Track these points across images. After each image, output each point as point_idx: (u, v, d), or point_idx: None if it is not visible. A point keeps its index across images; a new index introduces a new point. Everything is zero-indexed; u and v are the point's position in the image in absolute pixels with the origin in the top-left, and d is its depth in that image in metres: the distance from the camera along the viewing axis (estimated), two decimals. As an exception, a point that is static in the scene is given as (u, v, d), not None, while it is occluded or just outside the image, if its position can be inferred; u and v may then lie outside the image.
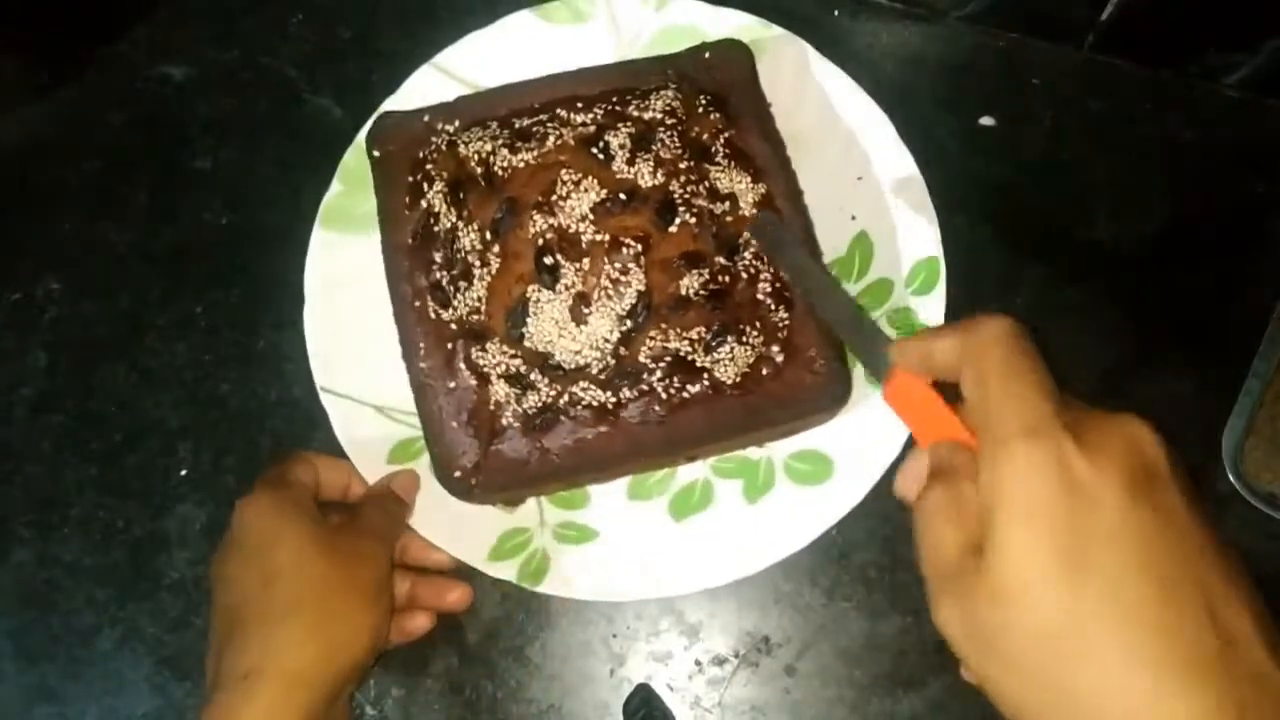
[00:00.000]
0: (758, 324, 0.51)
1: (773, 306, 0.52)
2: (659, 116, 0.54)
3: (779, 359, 0.51)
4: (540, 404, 0.50)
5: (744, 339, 0.51)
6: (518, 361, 0.51)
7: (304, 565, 0.48)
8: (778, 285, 0.52)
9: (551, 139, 0.53)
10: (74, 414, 0.61)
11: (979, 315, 0.35)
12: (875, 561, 0.58)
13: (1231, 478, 0.55)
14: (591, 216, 0.51)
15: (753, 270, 0.52)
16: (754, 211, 0.53)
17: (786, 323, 0.52)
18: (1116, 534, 0.30)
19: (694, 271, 0.50)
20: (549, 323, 0.50)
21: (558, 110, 0.55)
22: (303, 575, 0.48)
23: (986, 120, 0.64)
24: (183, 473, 0.60)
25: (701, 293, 0.50)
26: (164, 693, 0.57)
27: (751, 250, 0.52)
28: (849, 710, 0.56)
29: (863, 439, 0.54)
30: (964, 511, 0.33)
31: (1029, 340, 0.34)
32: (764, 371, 0.51)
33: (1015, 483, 0.31)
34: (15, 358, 0.62)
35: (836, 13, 0.65)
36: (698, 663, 0.57)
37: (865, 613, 0.57)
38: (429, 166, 0.54)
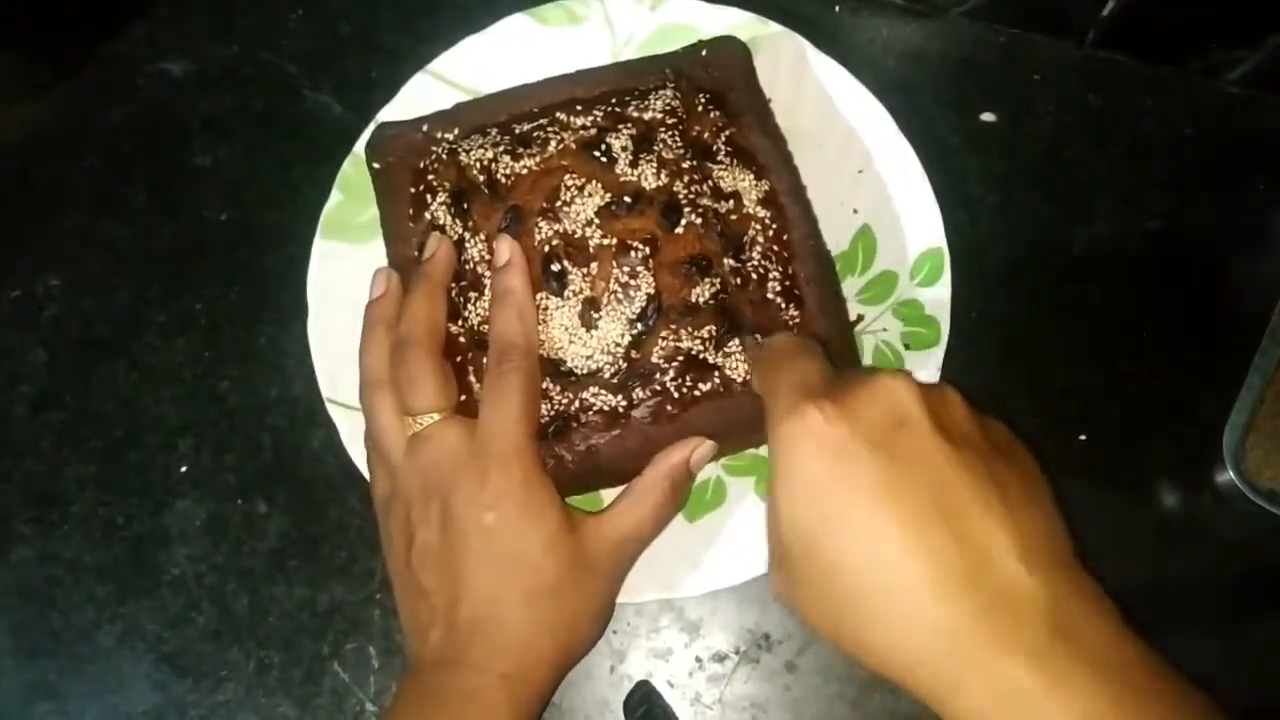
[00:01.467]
0: (769, 323, 0.51)
1: (783, 305, 0.51)
2: (659, 116, 0.54)
3: None
4: (552, 412, 0.50)
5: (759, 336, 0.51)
6: None
7: (562, 594, 0.46)
8: (787, 284, 0.52)
9: (553, 144, 0.53)
10: (74, 411, 0.61)
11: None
12: (876, 558, 0.57)
13: (1232, 475, 0.55)
14: (597, 221, 0.51)
15: (761, 270, 0.52)
16: (758, 210, 0.52)
17: (797, 320, 0.52)
18: (864, 483, 0.35)
19: (706, 280, 0.50)
20: (559, 329, 0.50)
21: (557, 114, 0.54)
22: (567, 599, 0.46)
23: (987, 116, 0.64)
24: (183, 469, 0.60)
25: (712, 301, 0.50)
26: (164, 690, 0.57)
27: (759, 249, 0.52)
28: (849, 707, 0.56)
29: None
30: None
31: (802, 344, 0.43)
32: None
33: (776, 456, 0.37)
34: (15, 355, 0.62)
35: (838, 9, 0.65)
36: (698, 659, 0.57)
37: (866, 609, 0.57)
38: (430, 177, 0.54)
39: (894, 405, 0.36)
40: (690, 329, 0.50)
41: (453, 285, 0.52)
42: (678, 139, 0.53)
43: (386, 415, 0.49)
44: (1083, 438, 0.59)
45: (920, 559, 0.34)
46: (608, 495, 0.55)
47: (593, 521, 0.48)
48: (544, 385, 0.50)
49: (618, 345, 0.50)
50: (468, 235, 0.52)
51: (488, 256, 0.51)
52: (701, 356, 0.50)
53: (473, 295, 0.51)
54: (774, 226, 0.53)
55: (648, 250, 0.50)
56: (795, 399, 0.37)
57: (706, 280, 0.50)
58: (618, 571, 0.49)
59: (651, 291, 0.50)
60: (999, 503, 0.35)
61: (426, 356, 0.49)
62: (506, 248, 0.50)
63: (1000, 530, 0.34)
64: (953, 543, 0.34)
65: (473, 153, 0.53)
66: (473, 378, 0.51)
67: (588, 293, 0.50)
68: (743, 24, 0.59)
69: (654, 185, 0.51)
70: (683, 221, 0.51)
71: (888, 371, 0.37)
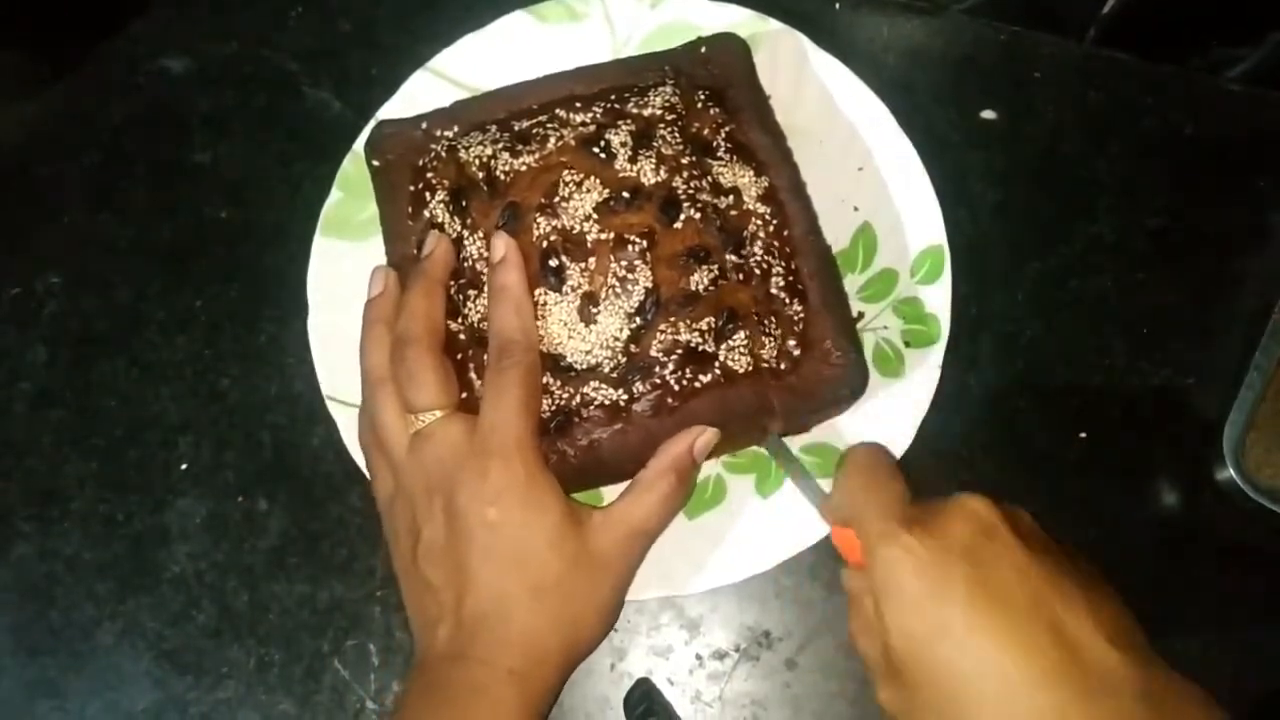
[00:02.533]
0: (773, 318, 0.51)
1: (787, 300, 0.52)
2: (658, 113, 0.53)
3: (795, 352, 0.51)
4: (553, 407, 0.50)
5: (765, 331, 0.51)
6: None
7: (568, 588, 0.46)
8: (791, 279, 0.52)
9: (552, 140, 0.53)
10: (74, 408, 0.61)
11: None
12: (876, 556, 0.57)
13: (1233, 472, 0.55)
14: (595, 216, 0.51)
15: (765, 265, 0.52)
16: (758, 206, 0.52)
17: (801, 316, 0.52)
18: (963, 592, 0.38)
19: (703, 267, 0.50)
20: (558, 325, 0.50)
21: (557, 111, 0.54)
22: (568, 601, 0.46)
23: (988, 114, 0.63)
24: (183, 467, 0.60)
25: (711, 288, 0.50)
26: (164, 687, 0.57)
27: (760, 244, 0.52)
28: (849, 704, 0.56)
29: (873, 431, 0.54)
30: (870, 621, 0.42)
31: (882, 464, 0.46)
32: (781, 365, 0.51)
33: (880, 578, 0.40)
34: (15, 352, 0.62)
35: (838, 6, 0.65)
36: (698, 657, 0.57)
37: (866, 607, 0.57)
38: (430, 175, 0.54)
39: (978, 521, 0.40)
40: (689, 321, 0.50)
41: (452, 283, 0.52)
42: (677, 135, 0.53)
43: (389, 413, 0.49)
44: (1083, 436, 0.59)
45: (1021, 652, 0.37)
46: (609, 493, 0.56)
47: (599, 515, 0.48)
48: (544, 380, 0.50)
49: (616, 339, 0.50)
50: (466, 233, 0.52)
51: (486, 254, 0.51)
52: (701, 349, 0.50)
53: (471, 293, 0.51)
54: (774, 223, 0.52)
55: (645, 244, 0.50)
56: (889, 525, 0.41)
57: (704, 268, 0.50)
58: (626, 566, 0.49)
59: (650, 285, 0.50)
60: (1082, 597, 0.38)
61: (426, 353, 0.49)
62: (502, 244, 0.50)
63: (1089, 619, 0.38)
64: (1047, 634, 0.37)
65: (472, 150, 0.53)
66: (473, 374, 0.51)
67: (586, 288, 0.50)
68: (743, 21, 0.59)
69: (653, 181, 0.51)
70: (681, 216, 0.51)
71: (966, 494, 0.41)
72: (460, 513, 0.45)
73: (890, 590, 0.40)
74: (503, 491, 0.45)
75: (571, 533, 0.46)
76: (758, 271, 0.51)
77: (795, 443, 0.56)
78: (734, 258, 0.51)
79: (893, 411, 0.54)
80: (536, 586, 0.45)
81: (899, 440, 0.54)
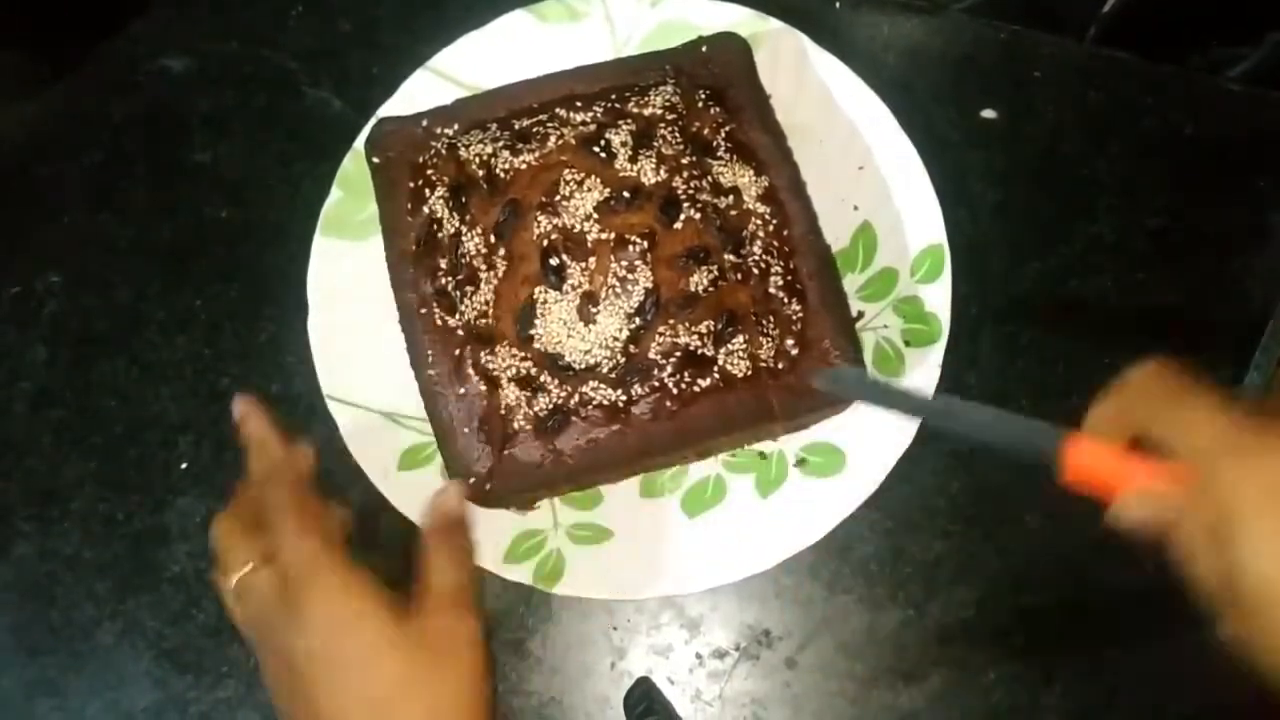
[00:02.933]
0: (771, 318, 0.51)
1: (785, 300, 0.52)
2: (659, 112, 0.54)
3: (794, 351, 0.51)
4: (551, 406, 0.50)
5: (763, 331, 0.51)
6: (527, 364, 0.51)
7: (413, 686, 0.42)
8: (789, 279, 0.52)
9: (552, 139, 0.53)
10: (74, 408, 0.61)
11: (1128, 372, 0.40)
12: (876, 555, 0.57)
13: (1233, 471, 0.55)
14: (595, 215, 0.51)
15: (764, 264, 0.52)
16: (758, 206, 0.52)
17: (800, 315, 0.52)
18: None
19: (703, 268, 0.50)
20: (557, 323, 0.50)
21: (557, 110, 0.54)
22: (414, 696, 0.42)
23: (988, 113, 0.63)
24: (183, 466, 0.60)
25: (710, 289, 0.50)
26: (165, 686, 0.57)
27: (760, 244, 0.52)
28: (849, 703, 0.56)
29: (874, 430, 0.54)
30: (1202, 542, 0.35)
31: (1178, 368, 0.39)
32: (779, 365, 0.51)
33: (1242, 492, 0.34)
34: (15, 352, 0.62)
35: (838, 5, 0.65)
36: (698, 656, 0.57)
37: (866, 606, 0.57)
38: (430, 172, 0.54)
39: None
40: (688, 324, 0.50)
41: (449, 279, 0.52)
42: (677, 135, 0.53)
43: (219, 589, 0.47)
44: (1083, 435, 0.59)
45: None
46: (608, 491, 0.56)
47: (419, 599, 0.44)
48: (542, 379, 0.50)
49: (616, 340, 0.50)
50: (465, 229, 0.52)
51: (484, 250, 0.51)
52: (700, 352, 0.50)
53: (469, 289, 0.52)
54: (774, 222, 0.53)
55: (646, 244, 0.50)
56: (1237, 430, 0.35)
57: (704, 269, 0.50)
58: (469, 632, 0.44)
59: (650, 285, 0.50)
60: None
61: (225, 519, 0.48)
62: (239, 407, 0.48)
63: None
64: None
65: (472, 148, 0.53)
66: (470, 370, 0.51)
67: (586, 287, 0.50)
68: (743, 20, 0.59)
69: (653, 181, 0.51)
70: (682, 216, 0.51)
71: None
72: (286, 652, 0.44)
73: (1248, 506, 0.34)
74: (308, 622, 0.43)
75: (398, 631, 0.43)
76: (756, 271, 0.51)
77: (795, 442, 0.56)
78: (733, 258, 0.51)
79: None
80: (372, 702, 0.43)
81: (899, 439, 0.54)
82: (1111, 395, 0.39)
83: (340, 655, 0.43)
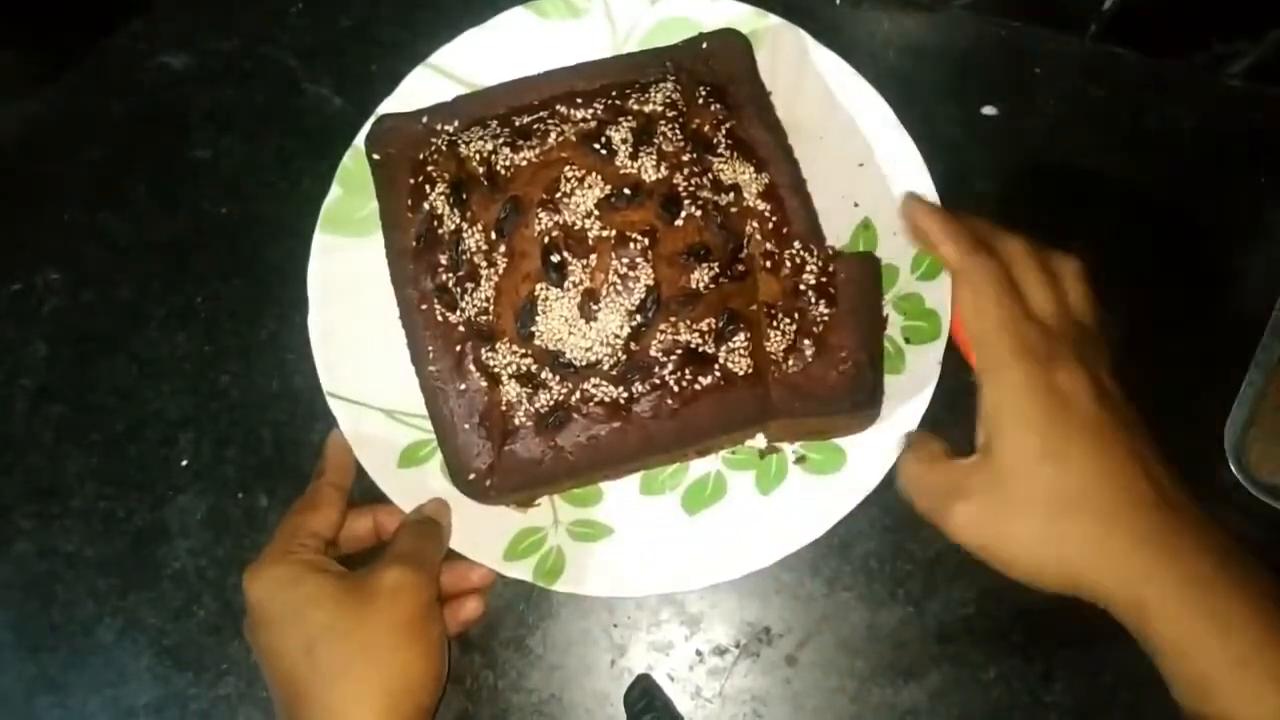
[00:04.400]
0: (795, 314, 0.51)
1: (813, 300, 0.51)
2: (659, 109, 0.53)
3: (809, 352, 0.51)
4: (552, 402, 0.50)
5: (777, 327, 0.50)
6: (528, 361, 0.51)
7: (339, 622, 0.47)
8: (823, 280, 0.51)
9: (553, 136, 0.53)
10: (74, 405, 0.61)
11: (978, 238, 0.49)
12: (876, 552, 0.58)
13: (1234, 469, 0.55)
14: (596, 212, 0.51)
15: (800, 259, 0.51)
16: (759, 203, 0.52)
17: (825, 318, 0.51)
18: (1087, 426, 0.44)
19: (704, 265, 0.50)
20: (558, 320, 0.50)
21: (557, 106, 0.54)
22: (341, 633, 0.47)
23: (989, 109, 0.63)
24: (184, 463, 0.60)
25: (711, 286, 0.50)
26: (165, 683, 0.57)
27: (799, 241, 0.52)
28: (850, 700, 0.56)
29: (874, 427, 0.54)
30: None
31: (1011, 272, 0.48)
32: (789, 362, 0.51)
33: (1010, 396, 0.45)
34: (15, 348, 0.62)
35: (838, 2, 0.65)
36: (698, 653, 0.57)
37: (866, 603, 0.57)
38: (430, 168, 0.54)
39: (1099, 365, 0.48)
40: (689, 321, 0.50)
41: (450, 275, 0.52)
42: (678, 132, 0.53)
43: None
44: (1083, 432, 0.59)
45: (1127, 492, 0.44)
46: (608, 489, 0.56)
47: (377, 571, 0.49)
48: (543, 376, 0.50)
49: (617, 337, 0.50)
50: (465, 226, 0.52)
51: (485, 247, 0.51)
52: (701, 350, 0.50)
53: (469, 286, 0.52)
54: (774, 219, 0.52)
55: (647, 242, 0.50)
56: (1024, 343, 0.45)
57: (704, 265, 0.50)
58: (403, 591, 0.49)
59: (650, 283, 0.50)
60: (1157, 450, 0.46)
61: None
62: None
63: (1164, 469, 0.46)
64: (1145, 479, 0.45)
65: (473, 144, 0.53)
66: (471, 367, 0.51)
67: (587, 284, 0.50)
68: (743, 17, 0.59)
69: (654, 178, 0.51)
70: (682, 214, 0.51)
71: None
72: (249, 622, 0.50)
73: (1009, 409, 0.45)
74: (256, 624, 0.49)
75: (337, 585, 0.48)
76: (788, 265, 0.51)
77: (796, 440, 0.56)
78: (771, 246, 0.51)
79: (894, 408, 0.54)
80: (312, 639, 0.47)
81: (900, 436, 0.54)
82: (959, 249, 0.48)
83: (281, 610, 0.48)
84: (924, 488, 0.47)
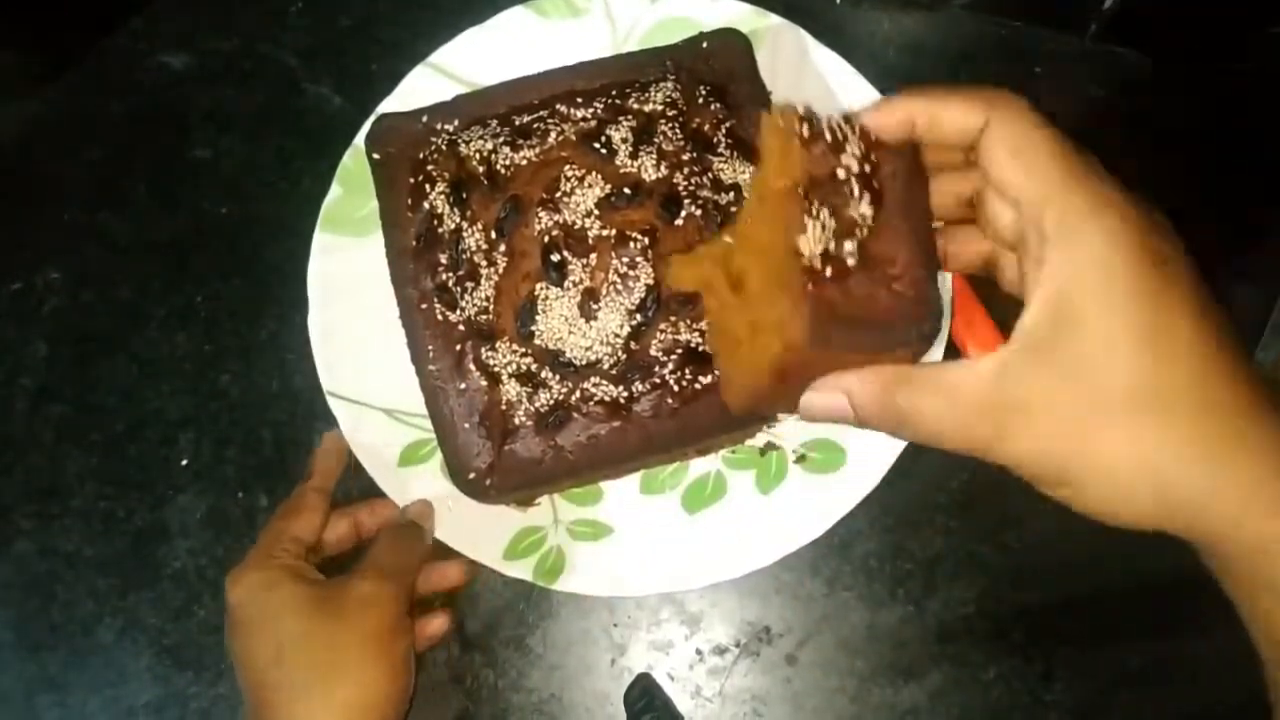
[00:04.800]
0: (831, 209, 0.37)
1: (856, 191, 0.37)
2: (659, 109, 0.53)
3: (850, 260, 0.37)
4: (552, 402, 0.50)
5: (813, 214, 0.37)
6: (528, 360, 0.51)
7: (309, 632, 0.48)
8: (867, 169, 0.38)
9: (553, 135, 0.53)
10: (75, 405, 0.61)
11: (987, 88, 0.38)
12: (876, 551, 0.58)
13: (1233, 468, 0.55)
14: (596, 212, 0.51)
15: (839, 134, 0.38)
16: None
17: (870, 219, 0.38)
18: (1190, 301, 0.33)
19: None
20: (558, 320, 0.50)
21: (557, 106, 0.54)
22: (310, 642, 0.47)
23: (989, 109, 0.63)
24: (184, 463, 0.60)
25: None
26: (165, 682, 0.57)
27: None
28: (850, 700, 0.56)
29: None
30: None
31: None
32: (827, 270, 0.36)
33: (1095, 256, 0.33)
34: (15, 348, 0.62)
35: (839, 1, 0.65)
36: (699, 652, 0.57)
37: (866, 603, 0.57)
38: (430, 167, 0.54)
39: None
40: (689, 321, 0.50)
41: (449, 275, 0.52)
42: (678, 131, 0.53)
43: None
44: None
45: (1227, 390, 0.33)
46: (608, 488, 0.56)
47: (355, 582, 0.50)
48: (543, 375, 0.50)
49: (616, 336, 0.50)
50: (465, 225, 0.52)
51: (485, 246, 0.51)
52: (701, 349, 0.50)
53: (469, 285, 0.52)
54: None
55: (647, 241, 0.50)
56: (1111, 195, 0.36)
57: None
58: (372, 604, 0.49)
59: (650, 282, 0.50)
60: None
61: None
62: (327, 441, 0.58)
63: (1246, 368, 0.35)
64: (1245, 375, 0.34)
65: (473, 144, 0.53)
66: (471, 366, 0.51)
67: (587, 283, 0.50)
68: (744, 16, 0.59)
69: (654, 177, 0.51)
70: (682, 213, 0.51)
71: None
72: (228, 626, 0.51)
73: (1094, 277, 0.33)
74: (235, 590, 0.50)
75: (309, 593, 0.49)
76: (824, 139, 0.38)
77: (796, 438, 0.55)
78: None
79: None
80: (282, 646, 0.48)
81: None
82: (970, 102, 0.39)
83: (257, 614, 0.49)
84: (953, 419, 0.35)
